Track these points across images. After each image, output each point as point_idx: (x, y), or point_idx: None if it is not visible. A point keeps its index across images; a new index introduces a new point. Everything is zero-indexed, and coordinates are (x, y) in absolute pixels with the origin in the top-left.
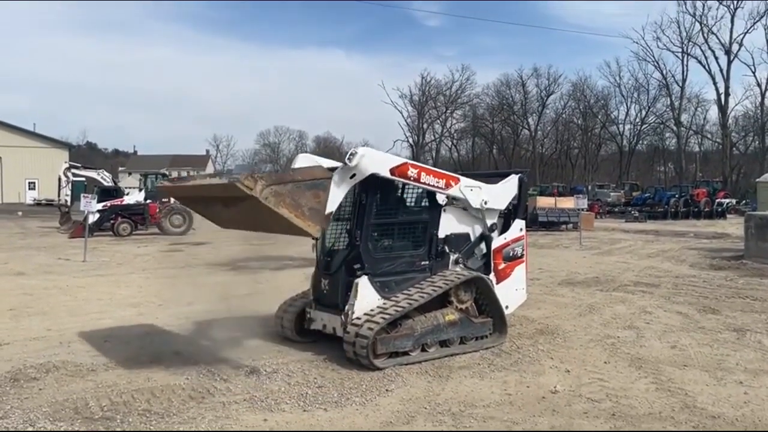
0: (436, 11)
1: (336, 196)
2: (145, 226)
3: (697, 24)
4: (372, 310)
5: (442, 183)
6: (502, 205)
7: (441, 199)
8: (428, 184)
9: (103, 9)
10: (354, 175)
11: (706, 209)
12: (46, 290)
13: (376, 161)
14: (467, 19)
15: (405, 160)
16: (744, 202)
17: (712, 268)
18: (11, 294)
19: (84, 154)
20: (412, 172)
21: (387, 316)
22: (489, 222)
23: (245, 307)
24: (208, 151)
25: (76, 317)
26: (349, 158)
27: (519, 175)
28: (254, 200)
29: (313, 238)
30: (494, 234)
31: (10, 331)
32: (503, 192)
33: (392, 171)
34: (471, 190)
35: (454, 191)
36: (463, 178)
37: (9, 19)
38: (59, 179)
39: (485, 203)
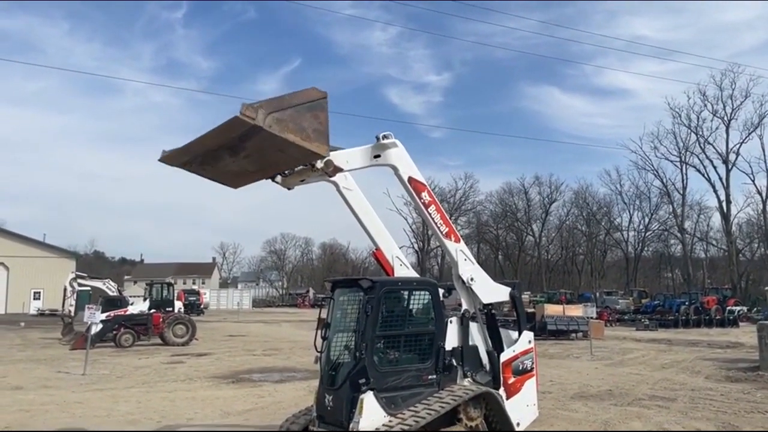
0: (439, 125)
1: (355, 161)
2: (148, 337)
3: (693, 135)
4: (377, 429)
5: (444, 229)
6: (486, 298)
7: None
8: (431, 218)
9: (115, 124)
10: (378, 156)
11: (717, 317)
12: (43, 406)
13: (404, 159)
14: (470, 132)
15: (426, 184)
16: (756, 309)
17: (728, 380)
18: (7, 411)
19: (91, 263)
20: (425, 196)
21: None
22: (466, 305)
23: (246, 423)
24: (214, 259)
25: None
26: (383, 137)
27: (510, 290)
28: (258, 131)
29: (321, 159)
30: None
31: None
32: (493, 288)
33: (410, 179)
34: (465, 259)
35: (449, 245)
36: (463, 244)
37: (22, 132)
38: (65, 289)
39: (471, 279)
